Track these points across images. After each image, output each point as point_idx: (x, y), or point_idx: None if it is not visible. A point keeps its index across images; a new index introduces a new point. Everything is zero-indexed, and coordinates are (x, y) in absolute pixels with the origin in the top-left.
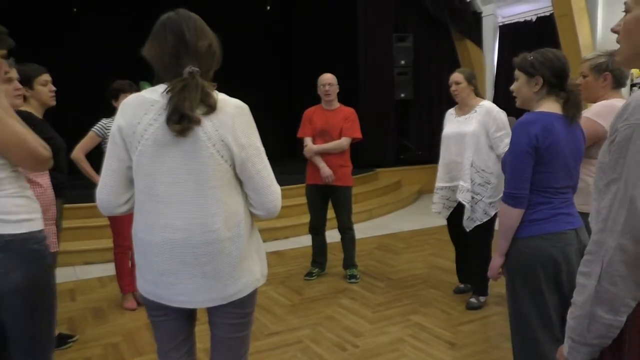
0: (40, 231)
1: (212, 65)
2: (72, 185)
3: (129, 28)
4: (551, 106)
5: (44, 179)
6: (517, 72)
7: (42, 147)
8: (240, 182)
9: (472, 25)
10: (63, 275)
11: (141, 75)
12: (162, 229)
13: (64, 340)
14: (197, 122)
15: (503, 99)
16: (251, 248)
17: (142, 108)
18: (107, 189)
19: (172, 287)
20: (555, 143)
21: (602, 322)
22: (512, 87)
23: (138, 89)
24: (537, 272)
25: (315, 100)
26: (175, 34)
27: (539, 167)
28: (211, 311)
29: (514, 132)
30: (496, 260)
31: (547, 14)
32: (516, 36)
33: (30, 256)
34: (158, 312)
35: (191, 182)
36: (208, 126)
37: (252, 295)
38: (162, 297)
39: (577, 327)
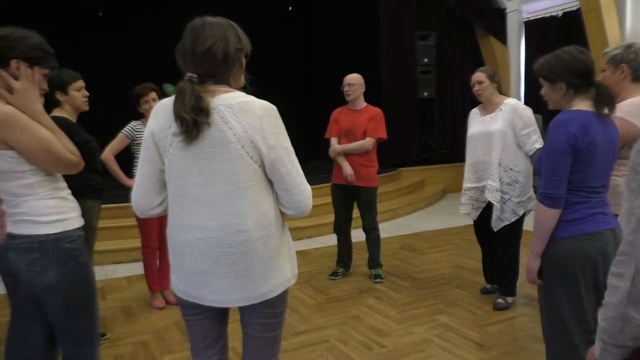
0: (76, 230)
1: (213, 69)
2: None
3: (154, 31)
4: (584, 104)
5: None
6: (540, 79)
7: (68, 152)
8: (270, 182)
9: (496, 22)
10: None
11: (166, 77)
12: (194, 229)
13: None
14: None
15: (535, 96)
16: (282, 248)
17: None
18: (141, 192)
19: (205, 287)
20: (593, 141)
21: (635, 324)
22: (542, 92)
23: (158, 90)
24: (576, 274)
25: (338, 99)
26: (183, 40)
27: (576, 167)
28: (243, 310)
29: (550, 130)
30: (533, 263)
31: (574, 8)
32: (542, 32)
33: (64, 255)
34: (192, 311)
35: (222, 183)
36: (237, 128)
37: (283, 295)
38: (194, 297)
39: (609, 329)
